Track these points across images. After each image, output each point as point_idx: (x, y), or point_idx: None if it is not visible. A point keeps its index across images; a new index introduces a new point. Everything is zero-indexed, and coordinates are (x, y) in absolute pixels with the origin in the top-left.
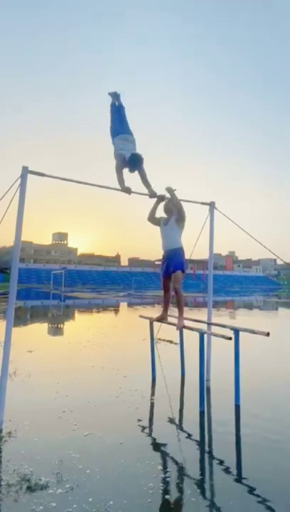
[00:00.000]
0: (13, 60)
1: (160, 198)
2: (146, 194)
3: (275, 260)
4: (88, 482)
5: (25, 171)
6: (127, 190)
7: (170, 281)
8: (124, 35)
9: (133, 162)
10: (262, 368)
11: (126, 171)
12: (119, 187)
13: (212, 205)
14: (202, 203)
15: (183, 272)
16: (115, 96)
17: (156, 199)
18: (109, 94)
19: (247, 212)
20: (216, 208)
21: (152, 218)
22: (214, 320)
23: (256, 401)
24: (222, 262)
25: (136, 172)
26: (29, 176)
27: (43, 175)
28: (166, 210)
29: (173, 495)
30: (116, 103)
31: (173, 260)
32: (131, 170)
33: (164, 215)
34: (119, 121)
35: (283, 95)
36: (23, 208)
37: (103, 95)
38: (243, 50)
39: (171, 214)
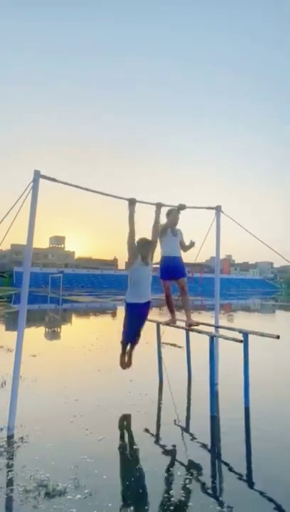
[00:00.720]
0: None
1: (181, 208)
2: (151, 204)
3: (272, 263)
4: (106, 487)
5: (38, 176)
6: (132, 201)
7: (172, 284)
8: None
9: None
10: (268, 370)
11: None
12: (124, 197)
13: (218, 210)
14: (209, 208)
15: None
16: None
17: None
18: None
19: (242, 211)
20: (222, 212)
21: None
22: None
23: (266, 403)
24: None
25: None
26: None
27: (54, 180)
28: (175, 222)
29: (192, 501)
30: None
31: (181, 267)
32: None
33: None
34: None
35: None
36: (34, 212)
37: None
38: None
39: (177, 229)
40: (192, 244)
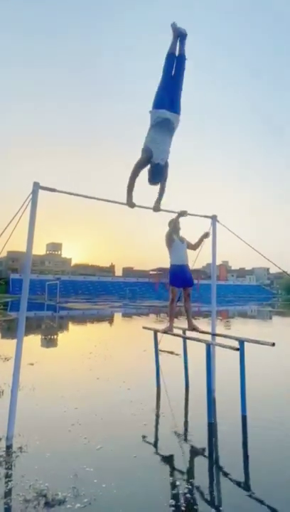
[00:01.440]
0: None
1: (182, 214)
2: (149, 208)
3: (268, 269)
4: (105, 496)
5: (37, 187)
6: (131, 205)
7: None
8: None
9: (156, 174)
10: (265, 377)
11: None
12: (124, 201)
13: (214, 219)
14: (205, 216)
15: (170, 285)
16: (179, 34)
17: (176, 214)
18: (173, 26)
19: (239, 216)
20: (218, 221)
21: (176, 232)
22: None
23: (263, 411)
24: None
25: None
26: (25, 185)
27: (54, 190)
28: (178, 227)
29: (191, 509)
30: (176, 51)
31: (191, 275)
32: (151, 181)
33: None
34: (171, 86)
35: None
36: (34, 223)
37: None
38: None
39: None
40: (205, 235)
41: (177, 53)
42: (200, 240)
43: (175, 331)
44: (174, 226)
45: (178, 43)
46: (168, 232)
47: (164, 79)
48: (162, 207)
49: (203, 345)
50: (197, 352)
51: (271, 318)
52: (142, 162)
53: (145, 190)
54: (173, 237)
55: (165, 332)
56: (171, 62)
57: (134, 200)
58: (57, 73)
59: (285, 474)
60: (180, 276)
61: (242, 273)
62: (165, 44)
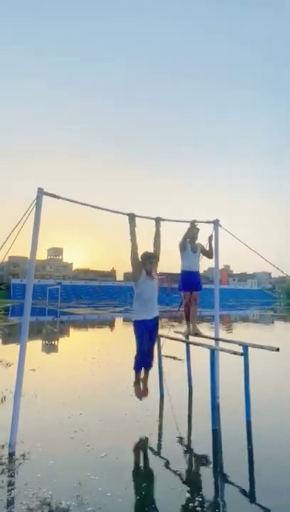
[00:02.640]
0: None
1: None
2: (151, 218)
3: (270, 273)
4: (110, 505)
5: (41, 193)
6: (132, 215)
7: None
8: None
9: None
10: (268, 382)
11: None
12: (124, 212)
13: (216, 223)
14: (207, 222)
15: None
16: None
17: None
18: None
19: (241, 222)
20: (220, 226)
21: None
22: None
23: (267, 416)
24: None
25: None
26: (24, 190)
27: (58, 197)
28: (194, 237)
29: None
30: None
31: (199, 281)
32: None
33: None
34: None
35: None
36: (38, 229)
37: None
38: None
39: (197, 244)
40: (210, 237)
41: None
42: (211, 245)
43: (177, 336)
44: (186, 236)
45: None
46: (183, 238)
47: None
48: (165, 217)
49: (205, 350)
50: (199, 357)
51: (273, 322)
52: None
53: (145, 196)
54: (185, 245)
55: (187, 335)
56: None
57: (134, 211)
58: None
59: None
60: (188, 282)
61: (243, 277)
62: None
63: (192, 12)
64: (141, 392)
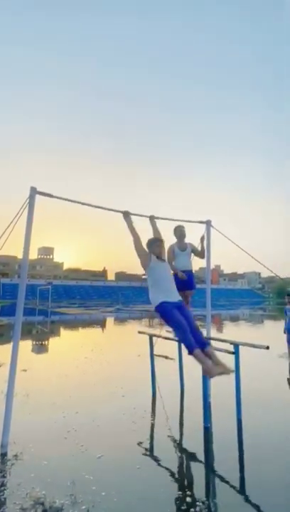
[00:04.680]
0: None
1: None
2: (145, 216)
3: (259, 273)
4: (103, 503)
5: (34, 192)
6: (126, 214)
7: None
8: None
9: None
10: (259, 380)
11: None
12: (119, 209)
13: (208, 224)
14: (200, 222)
15: None
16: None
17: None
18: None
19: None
20: (212, 226)
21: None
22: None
23: (258, 414)
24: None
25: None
26: (16, 189)
27: (50, 196)
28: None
29: None
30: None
31: (192, 280)
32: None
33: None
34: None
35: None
36: (30, 228)
37: None
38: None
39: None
40: (202, 238)
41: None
42: (202, 246)
43: (168, 335)
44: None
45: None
46: (168, 250)
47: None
48: (157, 215)
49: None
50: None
51: (262, 321)
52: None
53: (142, 196)
54: (172, 248)
55: (166, 338)
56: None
57: (129, 209)
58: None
59: (280, 477)
60: (179, 281)
61: (233, 277)
62: None
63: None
64: (215, 367)
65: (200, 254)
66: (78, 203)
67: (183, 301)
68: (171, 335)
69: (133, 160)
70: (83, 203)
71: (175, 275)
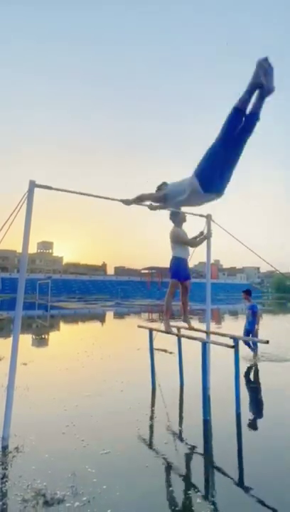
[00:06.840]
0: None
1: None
2: (145, 205)
3: (258, 268)
4: (104, 494)
5: (33, 186)
6: (127, 203)
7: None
8: None
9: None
10: (258, 374)
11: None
12: (117, 198)
13: (209, 218)
14: (200, 216)
15: (172, 278)
16: (264, 86)
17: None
18: (261, 67)
19: (229, 218)
20: (213, 221)
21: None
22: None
23: (257, 408)
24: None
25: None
26: (16, 183)
27: (50, 188)
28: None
29: (188, 507)
30: (248, 108)
31: (188, 269)
32: (153, 208)
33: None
34: (229, 163)
35: None
36: (29, 222)
37: None
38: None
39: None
40: (205, 236)
41: (248, 111)
42: (201, 240)
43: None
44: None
45: (254, 99)
46: (176, 229)
47: (222, 147)
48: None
49: (196, 343)
50: (191, 349)
51: (261, 316)
52: (156, 199)
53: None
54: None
55: (168, 332)
56: (238, 121)
57: (131, 206)
58: None
59: (278, 470)
60: (183, 269)
61: (232, 272)
62: None
63: None
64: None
65: (194, 244)
66: (77, 193)
67: None
68: (170, 329)
69: (137, 156)
70: (82, 193)
71: (179, 261)
